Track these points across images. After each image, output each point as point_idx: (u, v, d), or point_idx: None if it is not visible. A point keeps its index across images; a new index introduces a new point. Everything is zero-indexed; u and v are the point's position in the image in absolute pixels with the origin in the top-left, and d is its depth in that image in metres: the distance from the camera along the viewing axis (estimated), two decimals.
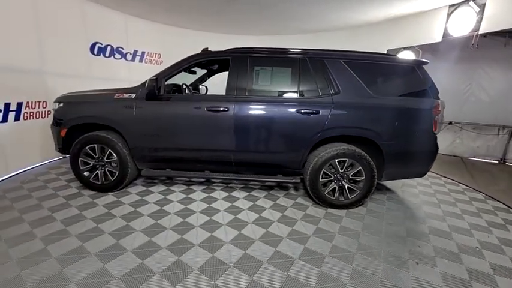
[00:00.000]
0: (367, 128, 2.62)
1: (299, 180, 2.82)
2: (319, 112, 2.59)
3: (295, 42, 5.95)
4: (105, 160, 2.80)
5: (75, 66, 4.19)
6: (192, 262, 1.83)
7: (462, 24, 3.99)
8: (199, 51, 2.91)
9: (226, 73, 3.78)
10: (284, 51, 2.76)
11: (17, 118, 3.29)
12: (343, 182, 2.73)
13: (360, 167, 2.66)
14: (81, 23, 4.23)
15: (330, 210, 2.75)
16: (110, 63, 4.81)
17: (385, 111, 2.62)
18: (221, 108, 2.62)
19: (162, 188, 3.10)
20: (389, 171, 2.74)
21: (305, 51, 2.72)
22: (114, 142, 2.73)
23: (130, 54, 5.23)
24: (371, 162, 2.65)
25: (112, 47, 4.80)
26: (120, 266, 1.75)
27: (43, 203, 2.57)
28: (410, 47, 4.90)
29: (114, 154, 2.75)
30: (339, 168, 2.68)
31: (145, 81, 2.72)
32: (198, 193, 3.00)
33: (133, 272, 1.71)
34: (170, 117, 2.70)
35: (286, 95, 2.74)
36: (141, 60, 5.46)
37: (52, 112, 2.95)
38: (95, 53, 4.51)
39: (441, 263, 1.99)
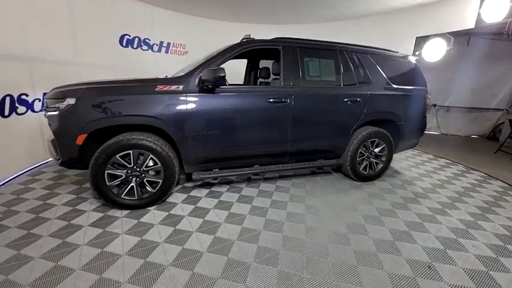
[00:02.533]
0: (392, 112, 3.14)
1: (341, 162, 3.10)
2: (360, 100, 2.90)
3: (320, 31, 5.76)
4: (144, 169, 2.22)
5: (106, 58, 4.36)
6: (327, 258, 1.84)
7: (497, 10, 3.72)
8: (240, 40, 2.62)
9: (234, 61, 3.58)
10: (328, 44, 2.88)
11: None
12: (371, 158, 3.21)
13: (384, 144, 3.19)
14: (111, 15, 4.39)
15: (363, 183, 3.20)
16: (137, 54, 4.92)
17: (401, 98, 3.18)
18: (282, 100, 2.52)
19: (204, 191, 2.75)
20: (401, 145, 3.41)
21: (344, 45, 2.93)
22: (158, 145, 2.19)
23: (157, 45, 5.25)
24: (391, 140, 3.22)
25: (139, 38, 4.92)
26: (261, 283, 1.58)
27: (71, 238, 1.85)
28: (441, 34, 4.65)
29: (157, 160, 2.22)
30: (370, 147, 3.13)
31: (193, 71, 2.27)
32: (247, 189, 2.83)
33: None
34: (230, 111, 2.38)
35: (333, 85, 2.87)
36: (166, 51, 5.45)
37: (50, 111, 2.02)
38: (124, 44, 4.67)
39: (462, 207, 2.69)
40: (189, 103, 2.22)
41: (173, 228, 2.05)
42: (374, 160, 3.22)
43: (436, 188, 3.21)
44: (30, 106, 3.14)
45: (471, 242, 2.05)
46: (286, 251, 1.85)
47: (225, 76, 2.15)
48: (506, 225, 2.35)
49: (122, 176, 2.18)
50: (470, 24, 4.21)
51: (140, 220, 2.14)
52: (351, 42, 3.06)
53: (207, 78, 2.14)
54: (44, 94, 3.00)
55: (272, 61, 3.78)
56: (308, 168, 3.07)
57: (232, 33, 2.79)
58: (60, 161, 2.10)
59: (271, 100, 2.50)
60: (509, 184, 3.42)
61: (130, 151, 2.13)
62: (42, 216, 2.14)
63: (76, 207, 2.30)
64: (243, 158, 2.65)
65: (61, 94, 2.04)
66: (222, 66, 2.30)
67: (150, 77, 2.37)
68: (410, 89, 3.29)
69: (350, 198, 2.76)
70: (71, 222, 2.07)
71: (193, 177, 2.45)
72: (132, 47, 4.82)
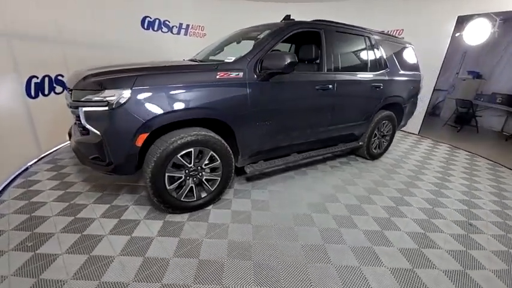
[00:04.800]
0: (400, 96, 3.51)
1: (362, 144, 3.38)
2: (381, 85, 3.15)
3: (345, 10, 5.49)
4: (202, 167, 2.01)
5: (131, 41, 4.32)
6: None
7: None
8: (281, 21, 2.50)
9: None
10: (359, 29, 2.96)
11: None
12: (381, 138, 3.60)
13: (391, 125, 3.61)
14: None
15: (374, 160, 3.61)
16: (158, 37, 4.89)
17: (406, 83, 3.58)
18: (328, 86, 2.55)
19: (247, 184, 2.64)
20: (400, 125, 3.90)
21: (369, 31, 3.06)
22: (218, 140, 2.00)
23: (176, 27, 5.21)
24: (396, 121, 3.65)
25: (160, 20, 4.87)
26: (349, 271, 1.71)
27: (151, 253, 1.60)
28: (486, 13, 4.19)
29: (216, 156, 2.03)
30: (382, 128, 3.50)
31: (246, 56, 2.08)
32: (284, 177, 2.86)
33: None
34: (287, 99, 2.28)
35: (363, 71, 3.01)
36: (185, 33, 5.40)
37: (92, 106, 1.58)
38: (145, 27, 4.67)
39: (454, 173, 3.34)
40: (250, 92, 2.05)
41: (251, 225, 1.97)
42: (382, 140, 3.64)
43: (426, 160, 3.85)
44: (65, 86, 3.16)
45: (481, 201, 2.61)
46: (355, 229, 2.02)
47: (295, 62, 2.03)
48: (491, 185, 3.05)
49: (181, 177, 1.94)
50: None
51: (209, 221, 1.98)
52: (381, 22, 3.17)
53: (271, 65, 2.00)
54: None
55: (287, 44, 3.72)
56: (332, 152, 3.26)
57: (251, 14, 2.62)
58: (112, 166, 1.71)
59: (318, 87, 2.51)
60: (471, 152, 4.34)
61: (192, 149, 1.90)
62: (89, 234, 1.76)
63: (121, 218, 1.96)
64: (288, 148, 2.64)
65: (100, 84, 1.61)
66: None
67: (183, 63, 2.09)
68: (412, 74, 3.72)
69: (375, 175, 3.09)
70: (132, 235, 1.77)
71: (248, 170, 2.34)
72: (153, 29, 4.80)
